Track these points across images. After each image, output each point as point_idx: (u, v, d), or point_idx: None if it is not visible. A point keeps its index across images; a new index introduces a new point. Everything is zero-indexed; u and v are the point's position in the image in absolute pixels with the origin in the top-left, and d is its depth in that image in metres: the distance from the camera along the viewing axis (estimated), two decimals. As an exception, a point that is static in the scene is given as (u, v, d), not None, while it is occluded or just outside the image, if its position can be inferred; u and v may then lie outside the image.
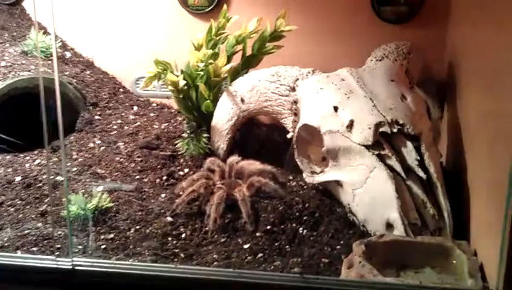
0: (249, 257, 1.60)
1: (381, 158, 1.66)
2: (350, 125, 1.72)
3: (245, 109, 2.07)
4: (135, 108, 2.43)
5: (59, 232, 1.68)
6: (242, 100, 2.06)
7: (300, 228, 1.70)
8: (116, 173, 2.01)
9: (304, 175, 1.89)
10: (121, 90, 2.51)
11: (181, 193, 1.84)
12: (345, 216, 1.74)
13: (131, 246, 1.65)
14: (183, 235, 1.71)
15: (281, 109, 2.02)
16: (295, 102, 1.95)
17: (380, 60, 1.96)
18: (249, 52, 2.19)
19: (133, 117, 2.37)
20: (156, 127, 2.30)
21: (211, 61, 2.05)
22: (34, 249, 1.64)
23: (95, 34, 2.53)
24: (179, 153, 2.11)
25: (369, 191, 1.65)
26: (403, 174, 1.63)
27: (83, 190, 1.87)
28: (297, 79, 2.00)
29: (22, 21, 2.58)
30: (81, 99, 2.32)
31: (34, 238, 1.68)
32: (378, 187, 1.63)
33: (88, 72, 2.49)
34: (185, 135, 2.12)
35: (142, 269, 1.39)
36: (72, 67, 2.46)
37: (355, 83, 1.84)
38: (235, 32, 2.16)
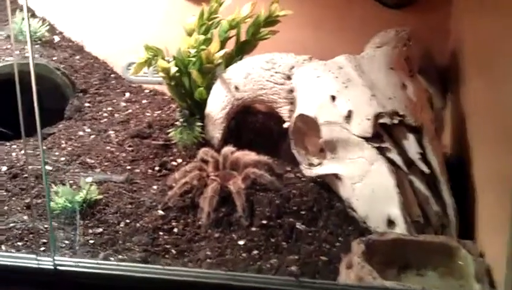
0: (244, 254, 1.56)
1: (382, 151, 1.62)
2: (348, 116, 1.68)
3: (239, 97, 2.01)
4: (127, 94, 2.36)
5: (45, 226, 1.62)
6: (236, 88, 2.00)
7: (298, 223, 1.65)
8: (107, 163, 1.96)
9: (302, 167, 1.84)
10: (112, 75, 2.43)
11: (173, 184, 1.79)
12: (344, 211, 1.70)
13: (120, 242, 1.60)
14: (175, 230, 1.66)
15: (276, 98, 1.97)
16: (291, 91, 1.90)
17: (379, 47, 1.91)
18: (243, 37, 2.12)
19: (124, 104, 2.30)
20: (148, 114, 2.23)
21: (203, 47, 1.99)
22: (19, 243, 1.58)
23: (85, 18, 2.44)
24: (172, 142, 2.05)
25: (369, 186, 1.61)
26: (404, 168, 1.59)
27: (71, 181, 1.81)
28: (293, 67, 1.94)
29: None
30: (70, 86, 2.25)
31: (19, 232, 1.62)
32: (378, 182, 1.59)
33: (78, 57, 2.42)
34: (178, 123, 2.06)
35: (129, 270, 1.33)
36: (61, 52, 2.38)
37: (353, 71, 1.79)
38: (228, 17, 2.09)
